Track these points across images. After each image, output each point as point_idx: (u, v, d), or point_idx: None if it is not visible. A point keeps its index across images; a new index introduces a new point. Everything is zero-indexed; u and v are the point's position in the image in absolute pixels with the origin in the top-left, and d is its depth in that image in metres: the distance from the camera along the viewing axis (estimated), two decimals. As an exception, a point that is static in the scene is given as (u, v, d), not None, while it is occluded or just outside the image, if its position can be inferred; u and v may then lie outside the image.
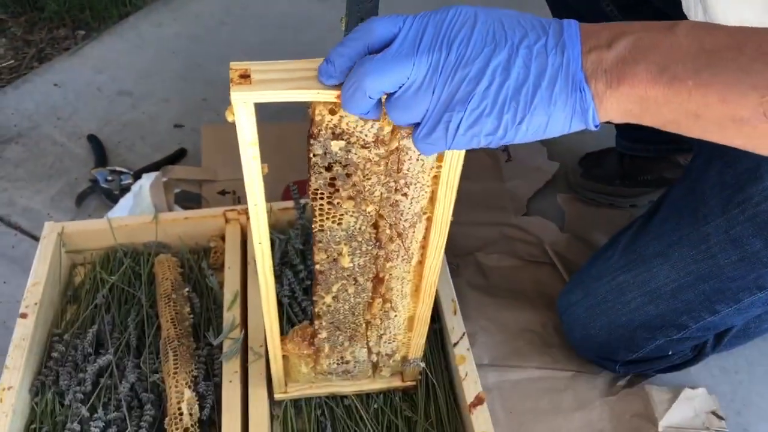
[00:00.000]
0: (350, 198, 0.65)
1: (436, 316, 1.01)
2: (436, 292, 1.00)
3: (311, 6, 1.80)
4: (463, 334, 0.96)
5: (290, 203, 1.13)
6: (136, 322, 1.00)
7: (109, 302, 1.04)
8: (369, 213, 0.67)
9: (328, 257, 0.72)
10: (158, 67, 1.62)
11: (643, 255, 0.91)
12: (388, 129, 0.60)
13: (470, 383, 0.91)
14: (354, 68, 0.50)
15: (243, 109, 0.55)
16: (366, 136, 0.60)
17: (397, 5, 1.21)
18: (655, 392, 1.03)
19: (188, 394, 0.90)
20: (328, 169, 0.62)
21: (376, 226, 0.70)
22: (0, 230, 1.26)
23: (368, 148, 0.61)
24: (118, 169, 1.33)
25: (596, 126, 0.50)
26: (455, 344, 0.95)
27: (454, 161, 0.63)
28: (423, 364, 0.91)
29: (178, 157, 1.38)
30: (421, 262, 0.75)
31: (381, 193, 0.66)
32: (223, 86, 1.55)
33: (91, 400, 0.92)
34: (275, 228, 1.12)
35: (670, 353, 0.97)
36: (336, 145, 0.60)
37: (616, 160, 1.31)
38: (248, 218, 1.11)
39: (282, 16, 1.78)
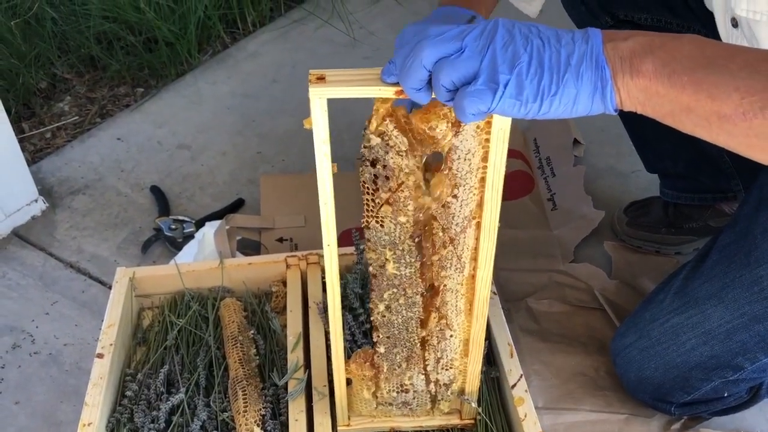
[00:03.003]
0: (388, 204, 0.73)
1: (492, 359, 1.04)
2: (492, 336, 1.04)
3: (359, 63, 1.88)
4: (521, 376, 0.98)
5: (348, 249, 1.17)
6: (204, 363, 1.05)
7: (179, 344, 1.09)
8: (404, 224, 0.74)
9: (377, 258, 0.78)
10: (215, 123, 1.70)
11: (695, 297, 0.94)
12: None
13: (530, 424, 0.93)
14: (412, 47, 0.59)
15: (319, 105, 0.64)
16: (401, 143, 0.69)
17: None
18: (711, 435, 1.04)
19: (258, 431, 0.93)
20: (373, 164, 0.71)
21: (428, 227, 0.76)
22: (71, 276, 1.32)
23: (401, 155, 0.69)
24: (180, 218, 1.40)
25: (614, 110, 0.58)
26: (513, 386, 0.98)
27: (498, 161, 0.70)
28: (475, 404, 0.94)
29: (236, 206, 1.45)
30: (473, 276, 0.81)
31: (414, 209, 0.73)
32: (277, 140, 1.64)
33: (164, 437, 0.96)
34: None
35: (725, 395, 0.99)
36: (374, 140, 0.69)
37: (661, 208, 1.34)
38: (308, 263, 1.17)
39: (330, 74, 1.86)
